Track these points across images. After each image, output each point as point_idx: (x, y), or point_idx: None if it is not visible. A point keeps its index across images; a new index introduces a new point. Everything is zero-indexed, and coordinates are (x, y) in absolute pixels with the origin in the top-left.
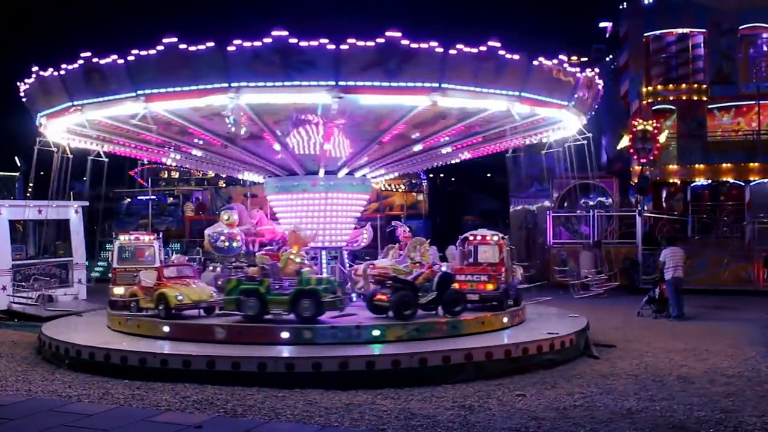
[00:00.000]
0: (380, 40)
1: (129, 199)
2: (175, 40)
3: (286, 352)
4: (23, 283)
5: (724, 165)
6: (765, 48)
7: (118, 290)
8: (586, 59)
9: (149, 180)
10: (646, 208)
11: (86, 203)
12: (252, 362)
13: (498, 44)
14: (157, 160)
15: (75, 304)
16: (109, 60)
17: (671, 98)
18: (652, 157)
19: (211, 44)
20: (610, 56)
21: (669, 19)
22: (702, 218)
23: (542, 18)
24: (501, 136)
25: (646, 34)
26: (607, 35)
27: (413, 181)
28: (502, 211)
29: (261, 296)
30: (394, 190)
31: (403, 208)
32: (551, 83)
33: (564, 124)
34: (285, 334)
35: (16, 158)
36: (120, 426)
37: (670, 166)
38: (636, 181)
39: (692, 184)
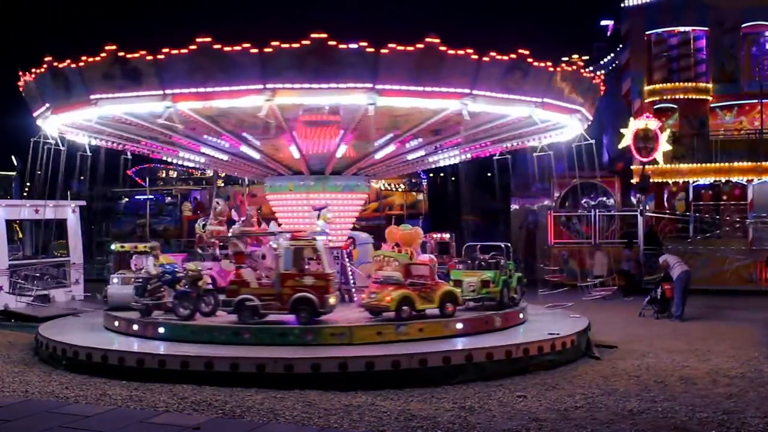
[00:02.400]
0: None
1: (127, 199)
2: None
3: (285, 353)
4: (21, 282)
5: (726, 164)
6: None
7: None
8: (587, 58)
9: (147, 179)
10: (647, 207)
11: (83, 203)
12: (251, 363)
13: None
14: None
15: (72, 305)
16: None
17: (673, 97)
18: (653, 156)
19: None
20: (612, 55)
21: (671, 17)
22: (704, 218)
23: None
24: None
25: (647, 33)
26: (609, 33)
27: (413, 181)
28: (502, 210)
29: None
30: (394, 189)
31: (403, 208)
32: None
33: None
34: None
35: (12, 157)
36: (117, 427)
37: (672, 165)
38: (637, 180)
39: (694, 184)
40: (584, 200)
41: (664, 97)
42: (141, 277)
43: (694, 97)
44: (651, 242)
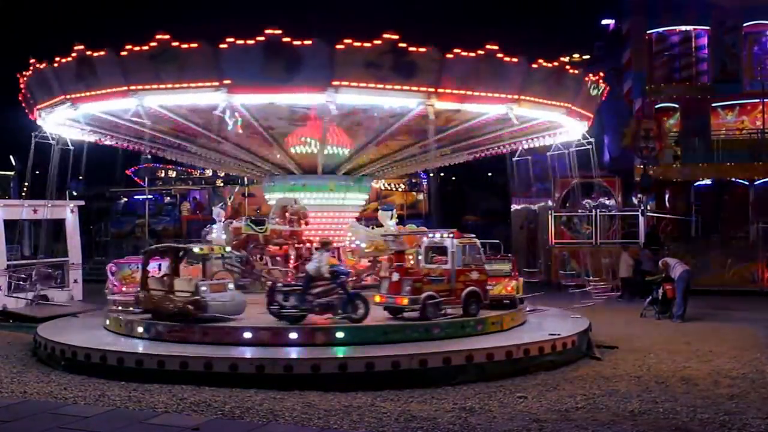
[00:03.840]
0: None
1: (126, 199)
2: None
3: (285, 353)
4: (20, 282)
5: (728, 164)
6: None
7: None
8: (588, 57)
9: (146, 179)
10: (649, 207)
11: (82, 203)
12: (250, 364)
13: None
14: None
15: (71, 305)
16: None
17: (674, 96)
18: (654, 156)
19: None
20: (613, 54)
21: (672, 16)
22: (706, 218)
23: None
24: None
25: (648, 32)
26: (610, 32)
27: (413, 181)
28: (503, 210)
29: None
30: (394, 189)
31: (403, 208)
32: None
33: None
34: None
35: (11, 157)
36: (116, 428)
37: (674, 165)
38: (639, 180)
39: (696, 184)
40: (585, 201)
41: (666, 97)
42: (303, 279)
43: (695, 96)
44: (652, 243)
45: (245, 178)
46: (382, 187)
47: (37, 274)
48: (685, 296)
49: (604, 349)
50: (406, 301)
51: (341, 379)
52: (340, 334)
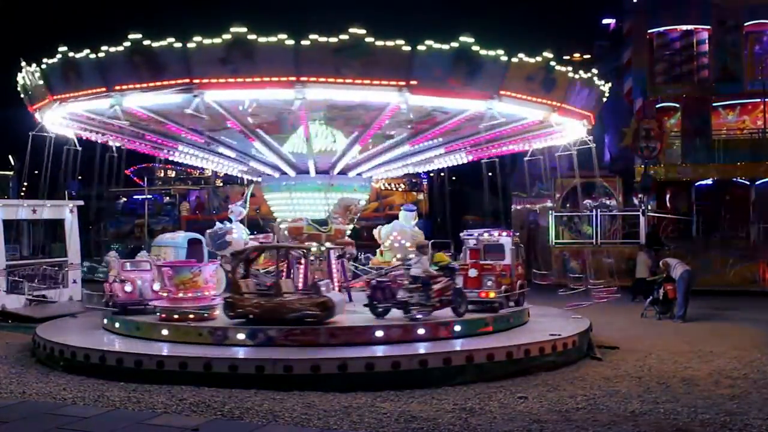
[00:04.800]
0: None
1: (125, 199)
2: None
3: (284, 354)
4: (19, 282)
5: (729, 164)
6: None
7: None
8: (588, 56)
9: (145, 179)
10: (649, 207)
11: (81, 202)
12: (249, 364)
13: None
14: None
15: (69, 305)
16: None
17: (675, 96)
18: (655, 156)
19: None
20: (614, 53)
21: (673, 15)
22: (707, 218)
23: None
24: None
25: (649, 31)
26: (611, 32)
27: (413, 180)
28: (503, 210)
29: None
30: (394, 189)
31: None
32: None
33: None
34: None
35: (9, 157)
36: (115, 429)
37: (675, 165)
38: (639, 180)
39: (697, 183)
40: (586, 201)
41: (666, 96)
42: (420, 277)
43: (696, 96)
44: (653, 243)
45: (244, 178)
46: (383, 187)
47: (36, 275)
48: (686, 297)
49: (604, 349)
50: (492, 294)
51: (341, 380)
52: (457, 327)
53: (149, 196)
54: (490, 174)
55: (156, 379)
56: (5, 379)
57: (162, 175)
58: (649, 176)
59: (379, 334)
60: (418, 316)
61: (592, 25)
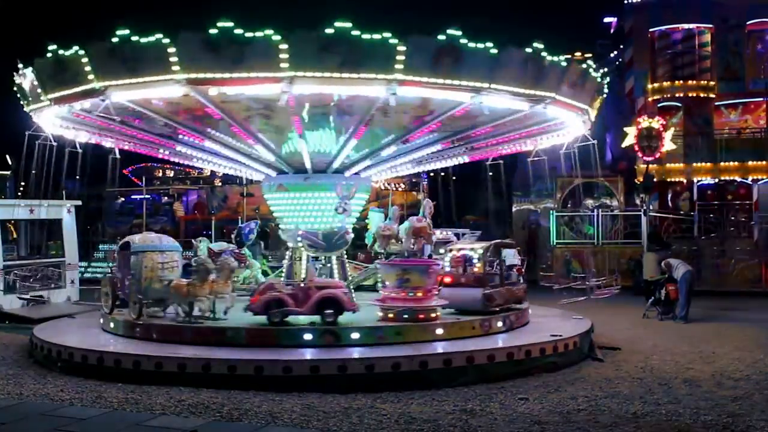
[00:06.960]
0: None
1: (123, 198)
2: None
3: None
4: (18, 282)
5: (731, 163)
6: None
7: None
8: (590, 55)
9: (143, 179)
10: (651, 207)
11: (79, 202)
12: (249, 365)
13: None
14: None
15: (67, 306)
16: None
17: (677, 95)
18: (657, 156)
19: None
20: (615, 52)
21: (675, 14)
22: (709, 218)
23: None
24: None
25: (651, 30)
26: (612, 31)
27: (413, 180)
28: (504, 210)
29: None
30: (394, 189)
31: (404, 208)
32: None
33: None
34: None
35: (7, 156)
36: (113, 430)
37: (676, 165)
38: (641, 179)
39: (699, 183)
40: (587, 200)
41: (668, 95)
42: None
43: (698, 95)
44: (654, 243)
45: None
46: (382, 187)
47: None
48: (688, 297)
49: (606, 350)
50: None
51: (341, 381)
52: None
53: (147, 196)
54: (491, 174)
55: (154, 380)
56: (2, 381)
57: (160, 174)
58: (650, 176)
59: None
60: None
61: (593, 24)
